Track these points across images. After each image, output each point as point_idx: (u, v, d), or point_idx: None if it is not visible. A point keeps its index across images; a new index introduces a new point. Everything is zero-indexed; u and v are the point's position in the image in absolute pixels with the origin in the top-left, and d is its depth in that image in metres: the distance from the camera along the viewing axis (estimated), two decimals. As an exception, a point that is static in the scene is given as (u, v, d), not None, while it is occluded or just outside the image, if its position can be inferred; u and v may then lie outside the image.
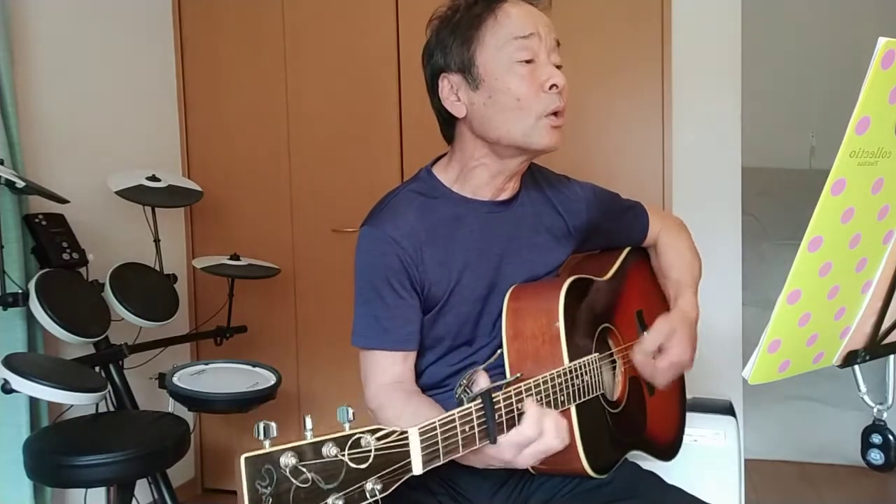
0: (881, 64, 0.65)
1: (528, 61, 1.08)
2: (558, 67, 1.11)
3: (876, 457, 0.89)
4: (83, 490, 2.13)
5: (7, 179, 1.80)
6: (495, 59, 1.09)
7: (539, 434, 0.92)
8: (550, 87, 1.08)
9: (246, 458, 0.65)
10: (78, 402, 1.81)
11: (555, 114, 1.10)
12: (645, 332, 1.21)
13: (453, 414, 0.85)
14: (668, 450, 1.37)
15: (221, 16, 2.76)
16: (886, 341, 0.87)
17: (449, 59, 1.12)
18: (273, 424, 0.67)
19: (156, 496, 2.11)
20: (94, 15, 2.44)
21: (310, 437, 0.70)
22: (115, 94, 2.52)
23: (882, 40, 0.65)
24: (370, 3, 2.61)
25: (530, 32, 1.09)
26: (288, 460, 0.67)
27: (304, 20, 2.68)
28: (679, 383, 1.45)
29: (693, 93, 2.46)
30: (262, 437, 0.67)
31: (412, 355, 1.16)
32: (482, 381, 0.93)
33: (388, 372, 1.13)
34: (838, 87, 1.83)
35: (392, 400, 1.11)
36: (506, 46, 1.08)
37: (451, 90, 1.13)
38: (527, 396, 0.96)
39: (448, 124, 1.19)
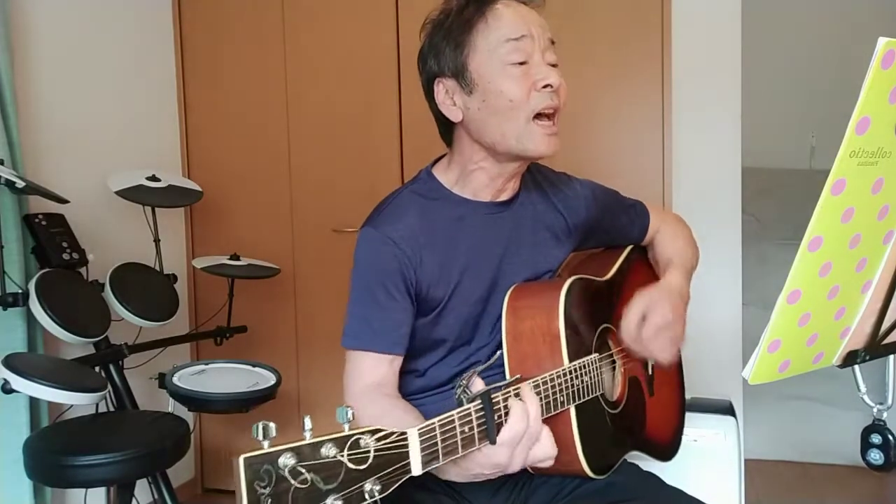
0: (881, 64, 0.65)
1: (521, 63, 1.08)
2: (554, 66, 1.11)
3: (875, 457, 0.89)
4: (83, 490, 2.12)
5: (7, 179, 1.80)
6: (488, 63, 1.08)
7: (526, 425, 0.91)
8: (544, 87, 1.08)
9: (245, 459, 0.65)
10: (78, 402, 1.81)
11: (548, 116, 1.09)
12: (626, 308, 1.17)
13: (452, 415, 0.84)
14: (666, 450, 1.37)
15: (221, 16, 2.76)
16: (886, 341, 0.87)
17: (443, 65, 1.12)
18: (272, 425, 0.67)
19: (156, 496, 2.11)
20: (95, 15, 2.44)
21: (309, 438, 0.69)
22: (115, 94, 2.52)
23: (882, 40, 0.65)
24: (370, 3, 2.61)
25: (522, 34, 1.08)
26: (287, 461, 0.66)
27: (304, 20, 2.68)
28: (678, 384, 1.45)
29: (693, 93, 2.46)
30: (261, 437, 0.66)
31: (399, 360, 1.14)
32: (480, 384, 0.92)
33: (373, 374, 1.12)
34: (838, 87, 1.83)
35: (374, 403, 1.09)
36: (498, 49, 1.08)
37: (447, 95, 1.13)
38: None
39: (446, 128, 1.18)
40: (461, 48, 1.10)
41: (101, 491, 2.17)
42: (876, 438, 0.89)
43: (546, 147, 1.10)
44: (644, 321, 1.16)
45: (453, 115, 1.13)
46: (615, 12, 2.42)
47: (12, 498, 1.98)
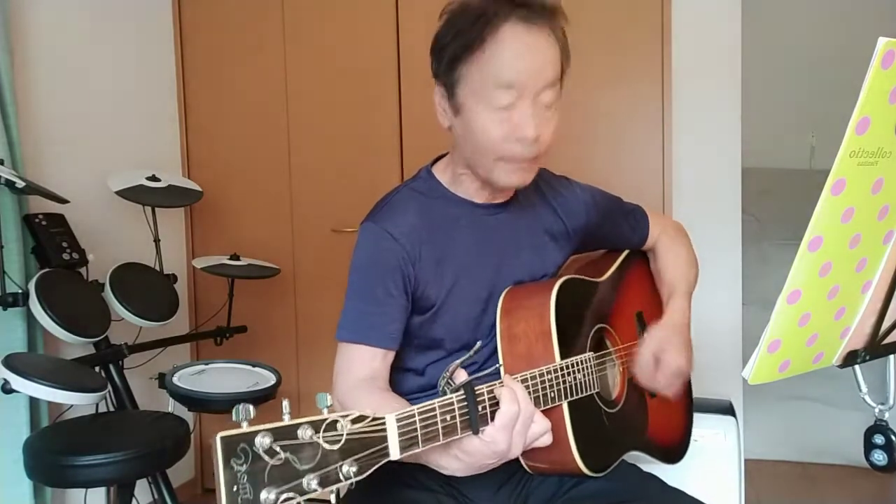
0: (881, 64, 0.65)
1: (508, 105, 1.04)
2: (549, 107, 1.07)
3: (879, 458, 0.89)
4: (83, 490, 2.13)
5: (7, 179, 1.80)
6: (473, 97, 1.06)
7: (518, 407, 0.90)
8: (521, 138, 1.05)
9: (222, 438, 0.67)
10: (78, 402, 1.81)
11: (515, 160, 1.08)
12: (639, 349, 1.22)
13: (434, 403, 0.85)
14: (672, 452, 1.36)
15: (221, 16, 2.76)
16: (886, 341, 0.87)
17: (439, 71, 1.11)
18: (251, 407, 0.69)
19: (156, 496, 2.11)
20: (95, 15, 2.44)
21: (287, 420, 0.72)
22: (115, 93, 2.52)
23: (882, 40, 0.65)
24: (370, 3, 2.61)
25: (512, 82, 1.03)
26: (263, 440, 0.68)
27: (304, 20, 2.68)
28: (685, 388, 1.44)
29: (693, 93, 2.46)
30: (241, 418, 0.69)
31: (391, 355, 1.15)
32: (463, 374, 0.93)
33: (366, 367, 1.12)
34: (838, 87, 1.83)
35: (369, 395, 1.08)
36: (485, 90, 1.05)
37: (443, 97, 1.13)
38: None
39: None
40: (454, 71, 1.08)
41: (101, 491, 2.17)
42: (879, 439, 0.88)
43: (513, 180, 1.11)
44: (658, 364, 1.20)
45: (443, 121, 1.15)
46: (615, 12, 2.42)
47: (12, 498, 1.98)
